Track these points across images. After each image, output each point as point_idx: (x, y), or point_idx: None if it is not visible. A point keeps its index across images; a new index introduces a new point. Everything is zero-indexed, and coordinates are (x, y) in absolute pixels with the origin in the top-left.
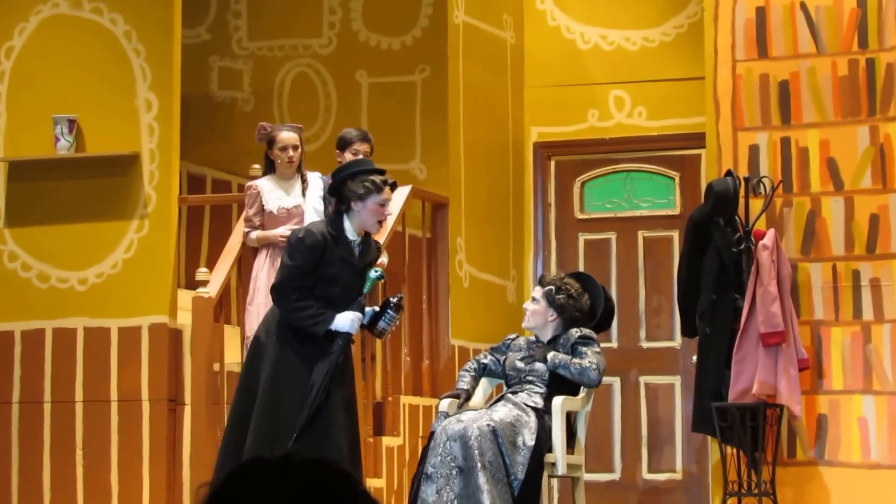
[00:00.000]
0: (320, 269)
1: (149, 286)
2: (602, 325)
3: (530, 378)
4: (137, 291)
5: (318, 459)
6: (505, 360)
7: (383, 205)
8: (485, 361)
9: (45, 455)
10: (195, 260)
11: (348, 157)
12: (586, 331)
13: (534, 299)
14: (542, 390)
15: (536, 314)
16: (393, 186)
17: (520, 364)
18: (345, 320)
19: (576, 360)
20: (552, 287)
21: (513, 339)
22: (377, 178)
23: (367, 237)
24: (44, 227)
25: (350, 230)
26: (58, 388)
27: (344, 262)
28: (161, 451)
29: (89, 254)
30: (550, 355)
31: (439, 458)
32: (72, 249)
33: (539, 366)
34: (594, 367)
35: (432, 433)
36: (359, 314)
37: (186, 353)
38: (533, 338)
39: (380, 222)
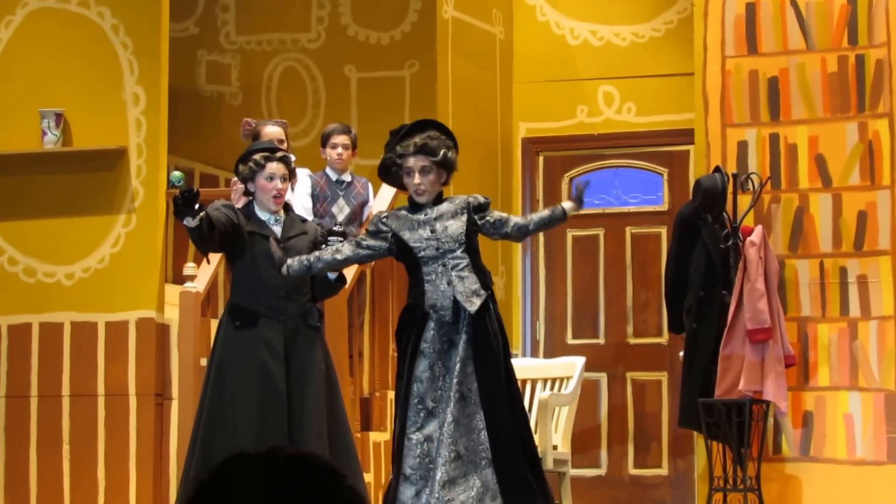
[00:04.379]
0: (236, 244)
1: (136, 281)
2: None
3: (448, 246)
4: (124, 286)
5: (302, 455)
6: (395, 237)
7: (271, 179)
8: (364, 251)
9: (32, 449)
10: (182, 255)
11: (328, 151)
12: (480, 197)
13: (423, 170)
14: (466, 260)
15: (433, 184)
16: (284, 160)
17: (424, 232)
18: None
19: (524, 220)
20: (444, 150)
21: (385, 218)
22: (258, 156)
23: (290, 214)
24: (30, 221)
25: (260, 211)
26: (44, 382)
27: (258, 236)
28: (148, 446)
29: (76, 248)
30: (520, 221)
31: (417, 459)
32: (59, 244)
33: (453, 225)
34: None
35: (403, 428)
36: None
37: (174, 347)
38: (402, 211)
39: (275, 197)
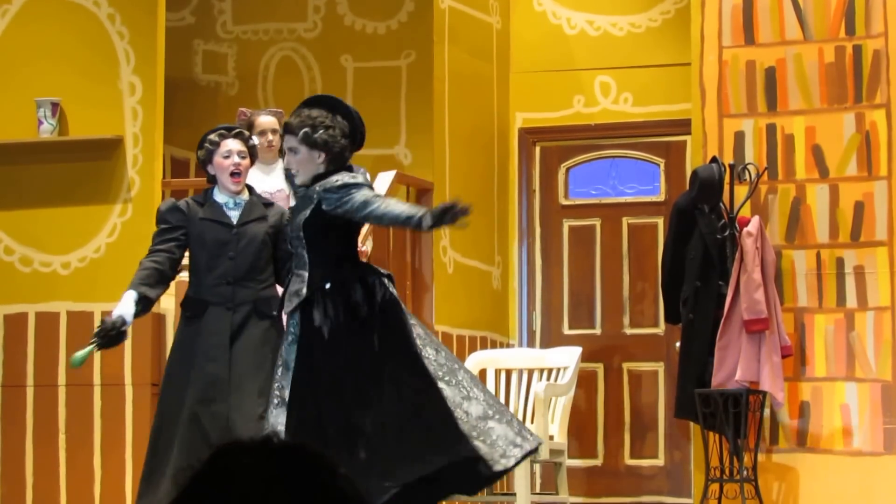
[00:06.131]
0: (190, 234)
1: (132, 270)
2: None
3: (294, 234)
4: (121, 276)
5: (297, 443)
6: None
7: (228, 156)
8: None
9: (28, 439)
10: None
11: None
12: (342, 178)
13: (291, 150)
14: (304, 257)
15: (303, 164)
16: (240, 136)
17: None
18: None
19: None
20: (306, 129)
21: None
22: (213, 135)
23: (252, 196)
24: (27, 210)
25: (219, 194)
26: (41, 371)
27: (209, 223)
28: (144, 436)
29: (72, 238)
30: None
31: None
32: (55, 233)
33: (300, 215)
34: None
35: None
36: (124, 312)
37: (169, 337)
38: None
39: (233, 175)
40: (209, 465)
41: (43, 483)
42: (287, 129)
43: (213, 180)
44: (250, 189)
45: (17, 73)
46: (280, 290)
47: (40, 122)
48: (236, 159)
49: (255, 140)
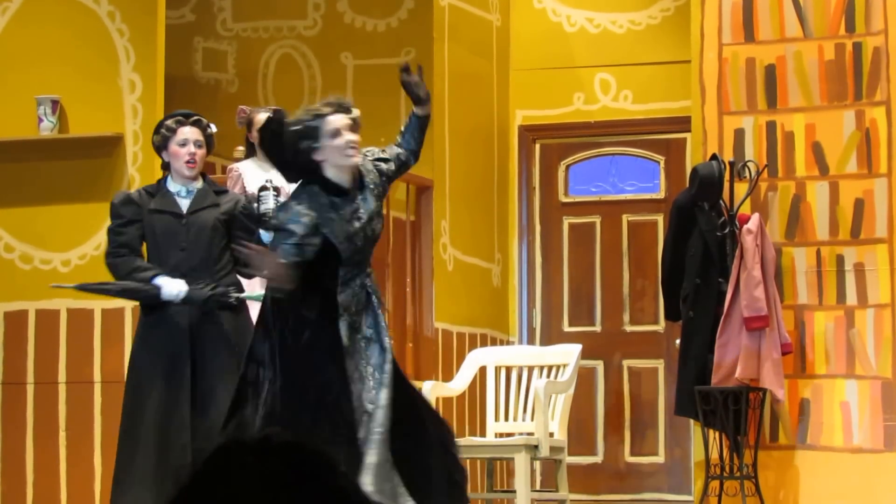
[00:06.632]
0: (144, 225)
1: None
2: None
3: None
4: None
5: (297, 441)
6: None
7: (184, 144)
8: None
9: (28, 436)
10: None
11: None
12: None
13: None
14: None
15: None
16: (198, 124)
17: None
18: (171, 289)
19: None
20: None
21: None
22: (169, 121)
23: (206, 184)
24: (27, 208)
25: (172, 182)
26: (41, 369)
27: (160, 213)
28: None
29: (73, 235)
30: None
31: None
32: (55, 231)
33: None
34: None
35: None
36: (181, 288)
37: None
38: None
39: (188, 163)
40: (209, 463)
41: (43, 480)
42: (357, 127)
43: (166, 167)
44: (204, 176)
45: (17, 71)
46: (240, 277)
47: (40, 120)
48: (192, 148)
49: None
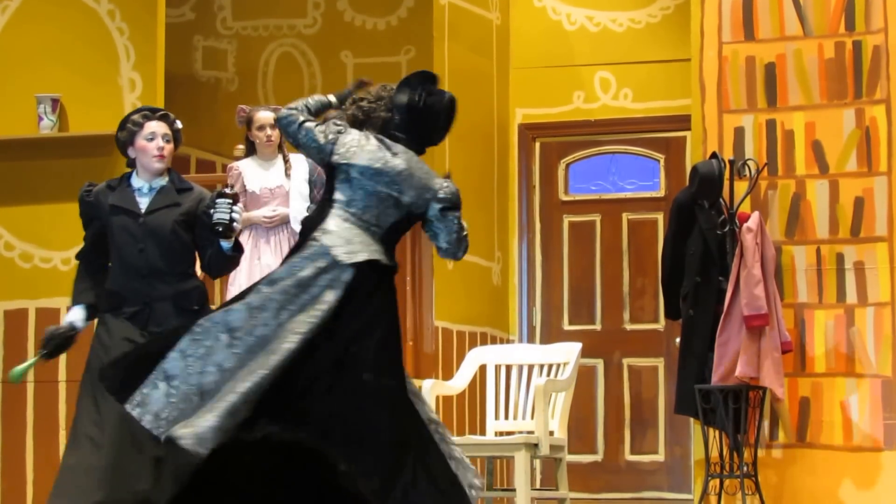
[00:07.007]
0: (103, 222)
1: None
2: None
3: None
4: None
5: (297, 440)
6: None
7: (151, 139)
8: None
9: (29, 435)
10: None
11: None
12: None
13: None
14: None
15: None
16: (165, 118)
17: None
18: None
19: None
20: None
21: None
22: (136, 116)
23: (171, 181)
24: (27, 206)
25: (136, 178)
26: (41, 367)
27: (117, 210)
28: None
29: (73, 234)
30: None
31: None
32: (55, 229)
33: None
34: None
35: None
36: (73, 318)
37: None
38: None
39: (156, 157)
40: (209, 462)
41: (43, 478)
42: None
43: (132, 164)
44: (171, 172)
45: (17, 70)
46: (202, 276)
47: (40, 119)
48: (161, 142)
49: (259, 136)
